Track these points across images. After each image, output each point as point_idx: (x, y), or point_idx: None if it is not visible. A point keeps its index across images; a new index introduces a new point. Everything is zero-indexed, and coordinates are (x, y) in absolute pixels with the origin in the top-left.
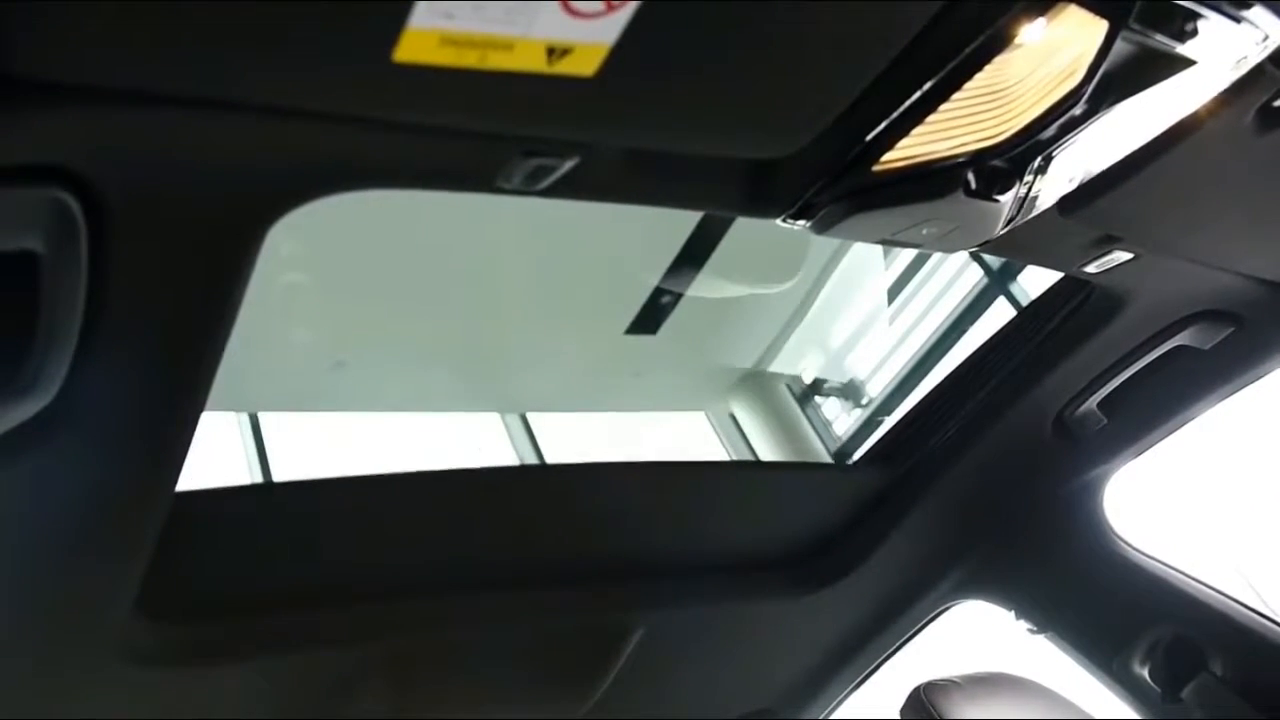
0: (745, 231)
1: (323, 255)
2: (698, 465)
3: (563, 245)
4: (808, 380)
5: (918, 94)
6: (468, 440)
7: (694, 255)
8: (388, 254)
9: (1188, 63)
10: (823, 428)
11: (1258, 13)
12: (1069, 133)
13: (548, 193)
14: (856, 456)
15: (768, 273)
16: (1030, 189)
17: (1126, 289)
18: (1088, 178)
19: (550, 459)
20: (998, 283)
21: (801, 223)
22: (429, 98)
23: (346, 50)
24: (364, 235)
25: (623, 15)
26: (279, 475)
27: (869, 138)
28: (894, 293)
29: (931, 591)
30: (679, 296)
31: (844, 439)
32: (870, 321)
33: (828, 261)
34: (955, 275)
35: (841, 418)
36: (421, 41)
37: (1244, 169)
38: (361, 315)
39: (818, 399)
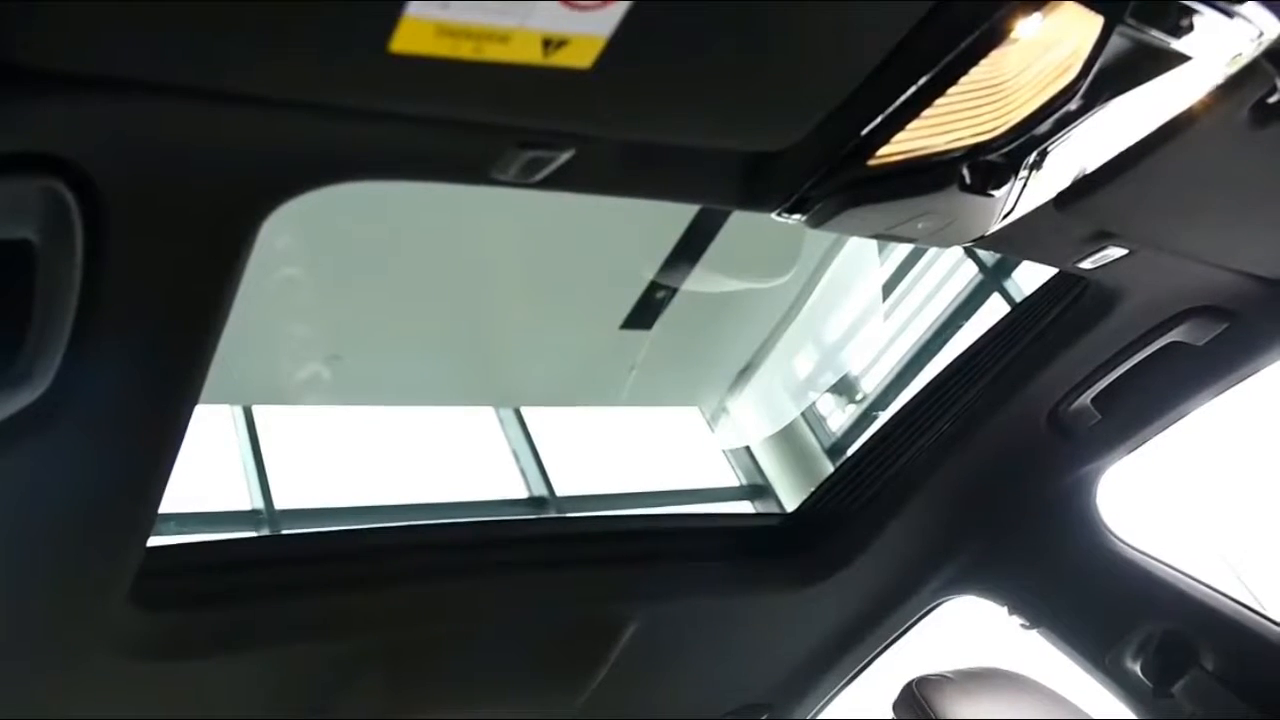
0: (740, 227)
1: (318, 248)
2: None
3: (558, 240)
4: (803, 375)
5: (913, 88)
6: (461, 434)
7: (689, 250)
8: (383, 248)
9: (1183, 59)
10: (817, 423)
11: (1252, 9)
12: (1064, 128)
13: (543, 185)
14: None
15: (763, 268)
16: (1025, 184)
17: (1121, 285)
18: (1083, 173)
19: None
20: (992, 279)
21: (797, 216)
22: (425, 89)
23: (343, 40)
24: (359, 228)
25: (619, 8)
26: (273, 469)
27: (864, 131)
28: (889, 289)
29: (925, 586)
30: (674, 292)
31: (838, 434)
32: (865, 317)
33: (822, 257)
34: (950, 271)
35: (835, 413)
36: (418, 32)
37: (1238, 165)
38: (356, 309)
39: (812, 394)
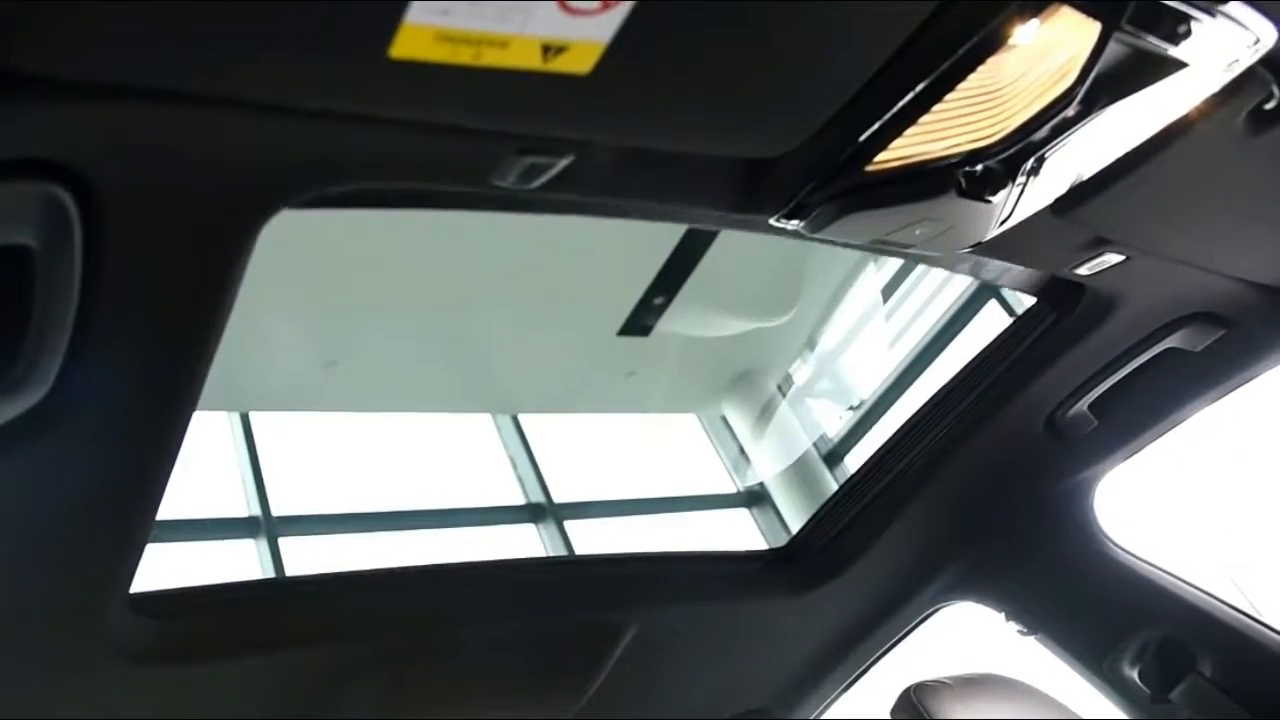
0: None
1: (315, 254)
2: None
3: (556, 246)
4: (800, 382)
5: (911, 95)
6: (458, 440)
7: (686, 256)
8: (380, 254)
9: (1180, 65)
10: (814, 430)
11: (1249, 16)
12: (1062, 134)
13: (541, 191)
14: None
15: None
16: (1023, 190)
17: (1118, 291)
18: (1080, 180)
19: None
20: (990, 285)
21: (794, 222)
22: (424, 95)
23: (343, 46)
24: (357, 235)
25: (618, 14)
26: (270, 475)
27: (862, 138)
28: (886, 294)
29: (923, 592)
30: (671, 298)
31: (835, 441)
32: (862, 324)
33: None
34: (948, 276)
35: (833, 420)
36: (417, 38)
37: (1235, 171)
38: (353, 316)
39: (809, 401)
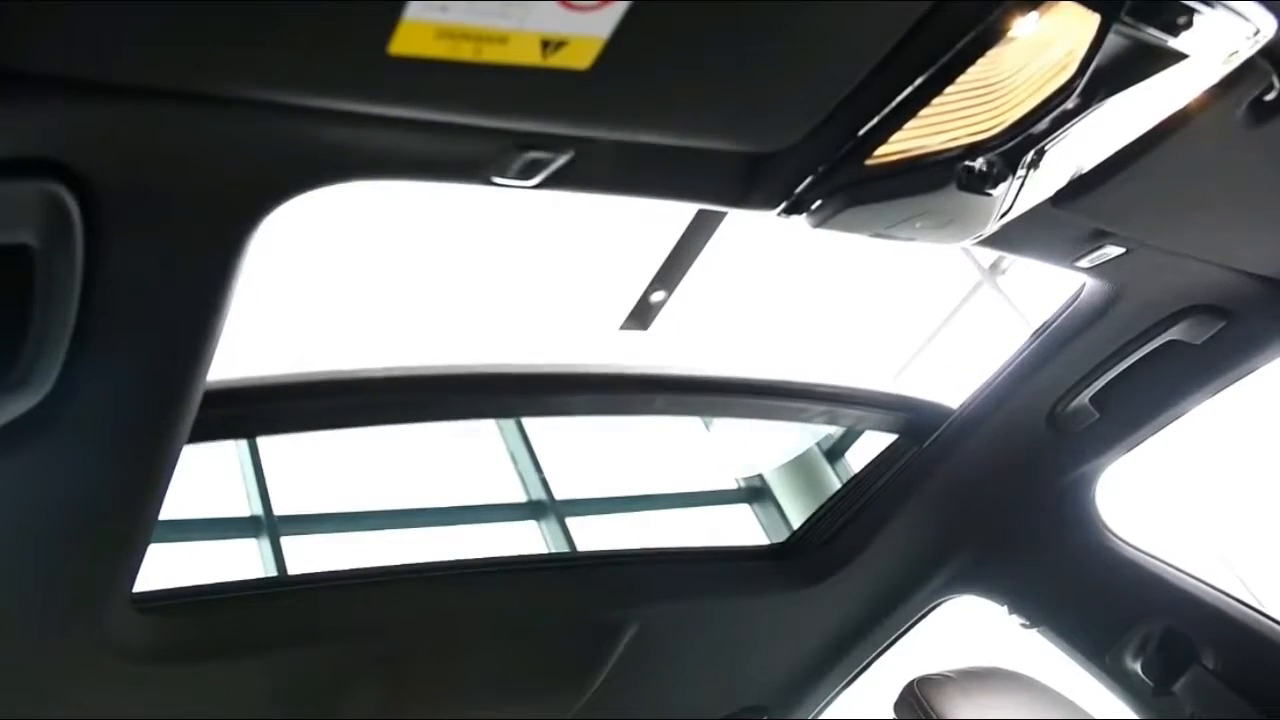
0: None
1: (313, 253)
2: None
3: (556, 240)
4: None
5: (911, 88)
6: (459, 438)
7: (687, 251)
8: (378, 252)
9: (1179, 57)
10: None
11: (1249, 7)
12: (1061, 127)
13: (542, 186)
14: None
15: None
16: (1023, 183)
17: (1118, 283)
18: (1080, 172)
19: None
20: (989, 280)
21: (796, 217)
22: (424, 91)
23: (342, 43)
24: (354, 235)
25: (617, 9)
26: (271, 475)
27: (862, 132)
28: None
29: (925, 586)
30: (671, 293)
31: (836, 436)
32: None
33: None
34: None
35: None
36: (417, 34)
37: (1235, 163)
38: (354, 313)
39: None
